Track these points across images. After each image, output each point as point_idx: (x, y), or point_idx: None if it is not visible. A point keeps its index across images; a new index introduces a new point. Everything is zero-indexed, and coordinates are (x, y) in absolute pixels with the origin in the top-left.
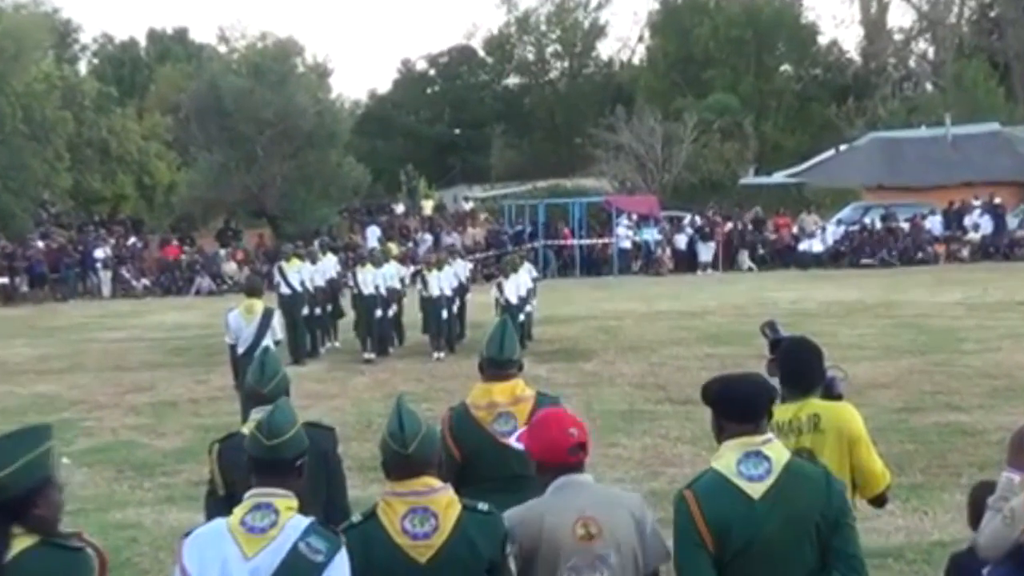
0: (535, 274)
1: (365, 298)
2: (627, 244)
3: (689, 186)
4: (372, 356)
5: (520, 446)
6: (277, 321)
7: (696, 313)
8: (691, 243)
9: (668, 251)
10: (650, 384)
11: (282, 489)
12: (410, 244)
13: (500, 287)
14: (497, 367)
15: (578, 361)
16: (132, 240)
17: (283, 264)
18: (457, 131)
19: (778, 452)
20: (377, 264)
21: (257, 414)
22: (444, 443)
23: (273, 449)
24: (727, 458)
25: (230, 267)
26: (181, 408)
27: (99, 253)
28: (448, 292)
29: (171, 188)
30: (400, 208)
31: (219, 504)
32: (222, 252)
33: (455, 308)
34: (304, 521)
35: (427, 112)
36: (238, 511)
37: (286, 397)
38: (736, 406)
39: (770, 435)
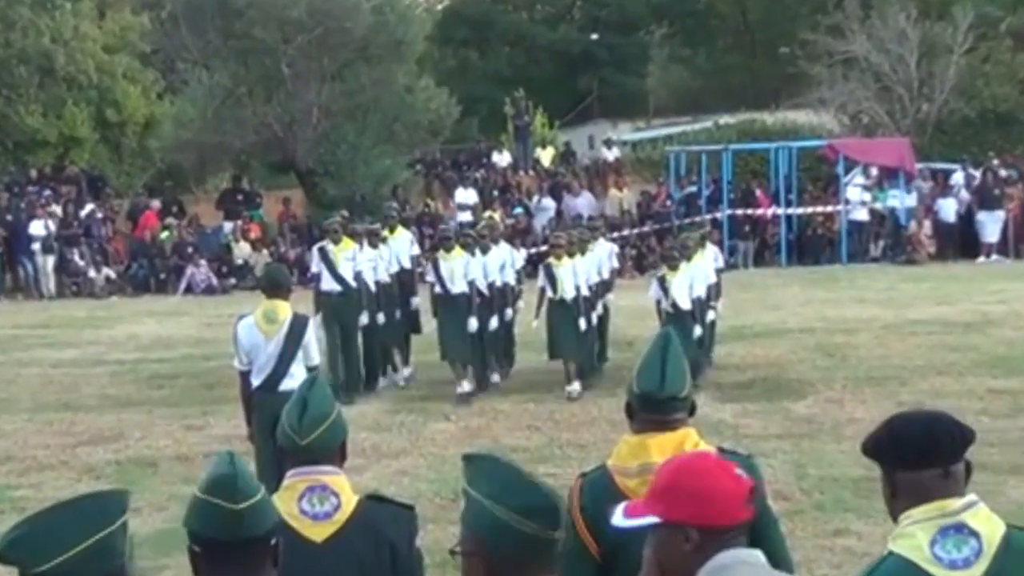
0: (719, 262)
1: (453, 299)
2: (862, 215)
3: (962, 122)
4: (468, 388)
5: (632, 523)
6: (313, 335)
7: (973, 324)
8: (966, 213)
9: (928, 226)
10: None
11: None
12: (519, 213)
13: (663, 284)
14: (655, 409)
15: (784, 399)
16: (89, 208)
17: (327, 247)
18: (594, 36)
19: (989, 523)
20: (473, 247)
21: (293, 479)
22: (573, 528)
23: (240, 519)
24: (915, 537)
25: (241, 250)
26: (164, 469)
27: (37, 228)
28: (586, 291)
29: (148, 127)
30: (505, 158)
31: None
32: (227, 227)
33: (594, 316)
34: None
35: (547, 7)
36: None
37: (233, 454)
38: (912, 444)
39: (972, 497)
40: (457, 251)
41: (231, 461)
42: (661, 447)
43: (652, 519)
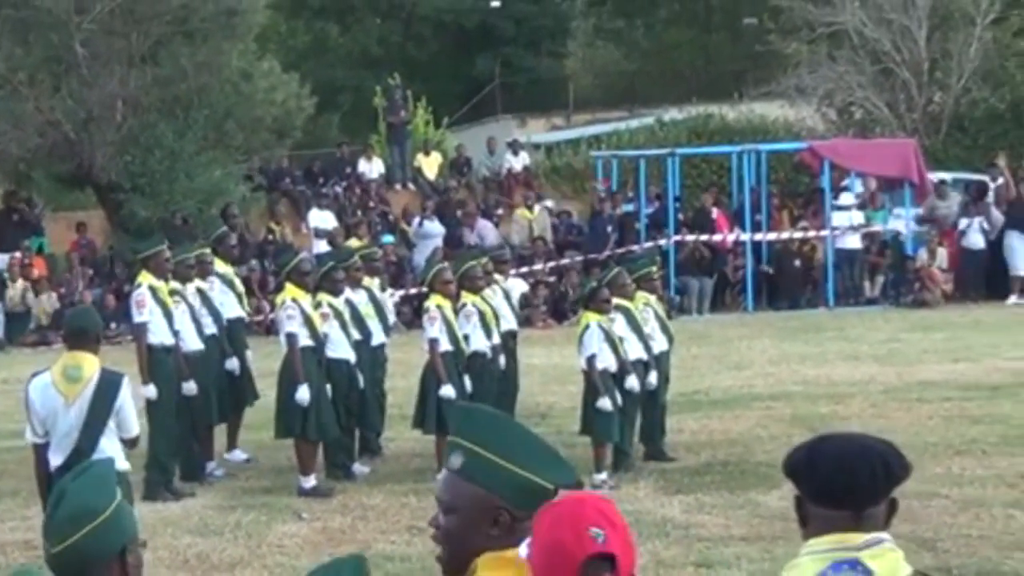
0: (656, 307)
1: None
2: (855, 242)
3: (988, 118)
4: (312, 483)
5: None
6: (129, 397)
7: (1002, 388)
8: (996, 239)
9: (944, 256)
10: (909, 538)
11: None
12: (388, 241)
13: (584, 336)
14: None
15: (751, 489)
16: None
17: (149, 288)
18: (495, 3)
19: (888, 563)
20: (333, 287)
21: None
22: None
23: None
24: (802, 568)
25: (18, 293)
26: None
27: None
28: (494, 341)
29: None
30: (375, 167)
31: None
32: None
33: (502, 373)
34: None
35: None
36: None
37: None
38: (826, 479)
39: (881, 535)
40: (302, 293)
41: None
42: None
43: None
